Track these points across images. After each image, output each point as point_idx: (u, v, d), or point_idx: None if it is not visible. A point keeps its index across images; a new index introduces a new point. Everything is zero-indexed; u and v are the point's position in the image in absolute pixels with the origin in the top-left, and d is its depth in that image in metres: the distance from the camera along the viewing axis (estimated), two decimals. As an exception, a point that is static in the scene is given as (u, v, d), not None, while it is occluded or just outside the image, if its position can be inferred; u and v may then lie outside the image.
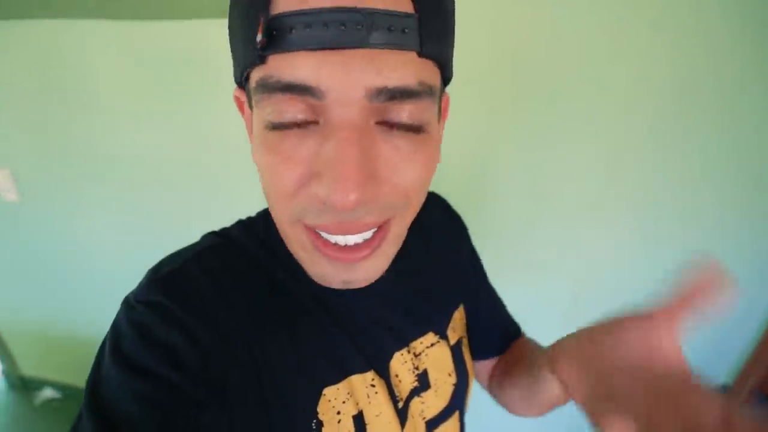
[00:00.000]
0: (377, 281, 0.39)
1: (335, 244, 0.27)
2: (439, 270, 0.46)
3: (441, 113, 0.32)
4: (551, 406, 0.41)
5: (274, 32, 0.22)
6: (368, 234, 0.28)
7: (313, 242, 0.28)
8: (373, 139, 0.25)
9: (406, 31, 0.23)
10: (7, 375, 1.60)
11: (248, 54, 0.25)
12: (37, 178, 1.20)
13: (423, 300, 0.43)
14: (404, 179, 0.27)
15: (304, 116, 0.25)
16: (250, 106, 0.30)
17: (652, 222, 1.00)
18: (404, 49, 0.23)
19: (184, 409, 0.27)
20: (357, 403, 0.35)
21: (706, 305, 0.23)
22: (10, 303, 1.51)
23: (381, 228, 0.28)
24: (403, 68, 0.24)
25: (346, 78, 0.23)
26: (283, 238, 0.32)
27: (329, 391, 0.34)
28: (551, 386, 0.37)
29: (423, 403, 0.41)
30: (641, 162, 0.94)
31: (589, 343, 0.27)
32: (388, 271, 0.40)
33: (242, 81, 0.29)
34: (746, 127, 0.90)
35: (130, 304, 0.30)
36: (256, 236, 0.38)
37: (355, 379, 0.36)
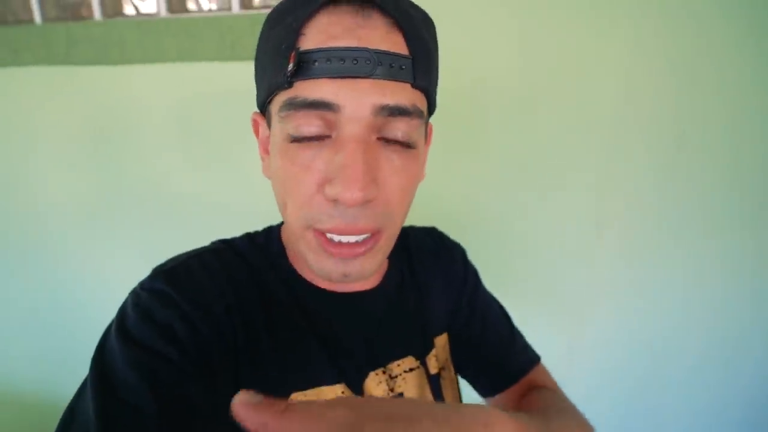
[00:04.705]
0: (362, 300, 0.41)
1: (338, 243, 0.32)
2: (426, 297, 0.47)
3: (427, 137, 0.38)
4: None
5: (302, 64, 0.28)
6: (363, 237, 0.32)
7: (320, 244, 0.32)
8: (374, 152, 0.30)
9: (403, 68, 0.29)
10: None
11: (277, 81, 0.30)
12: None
13: (406, 323, 0.44)
14: (394, 187, 0.32)
15: (320, 130, 0.30)
16: (269, 125, 0.35)
17: (643, 270, 0.90)
18: (401, 81, 0.30)
19: (176, 379, 0.30)
20: None
21: None
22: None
23: (373, 236, 0.32)
24: (401, 94, 0.30)
25: (357, 97, 0.29)
26: (294, 242, 0.35)
27: (297, 397, 0.35)
28: None
29: None
30: (632, 204, 0.86)
31: None
32: (374, 293, 0.42)
33: (265, 105, 0.35)
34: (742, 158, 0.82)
35: (136, 292, 0.34)
36: (257, 245, 0.41)
37: (325, 390, 0.37)
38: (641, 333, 0.94)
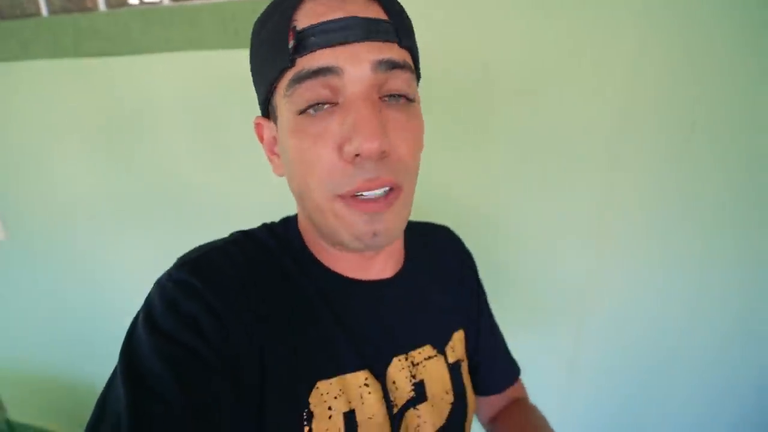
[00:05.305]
0: (381, 287, 0.42)
1: (365, 199, 0.33)
2: (442, 292, 0.48)
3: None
4: None
5: (299, 42, 0.31)
6: (384, 191, 0.34)
7: (349, 206, 0.33)
8: (380, 108, 0.32)
9: (389, 30, 0.33)
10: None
11: (279, 63, 0.32)
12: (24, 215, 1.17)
13: (425, 313, 0.45)
14: (403, 142, 0.34)
15: (327, 97, 0.32)
16: (275, 121, 0.37)
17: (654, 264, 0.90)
18: (389, 41, 0.33)
19: (201, 369, 0.30)
20: (349, 402, 0.36)
21: None
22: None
23: (394, 190, 0.34)
24: (392, 51, 0.33)
25: (355, 59, 0.31)
26: (323, 220, 0.36)
27: (322, 385, 0.36)
28: None
29: (419, 416, 0.41)
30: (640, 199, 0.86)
31: None
32: (393, 281, 0.43)
33: (267, 101, 0.36)
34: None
35: (161, 283, 0.35)
36: (276, 234, 0.42)
37: (349, 377, 0.37)
38: (648, 326, 0.94)
